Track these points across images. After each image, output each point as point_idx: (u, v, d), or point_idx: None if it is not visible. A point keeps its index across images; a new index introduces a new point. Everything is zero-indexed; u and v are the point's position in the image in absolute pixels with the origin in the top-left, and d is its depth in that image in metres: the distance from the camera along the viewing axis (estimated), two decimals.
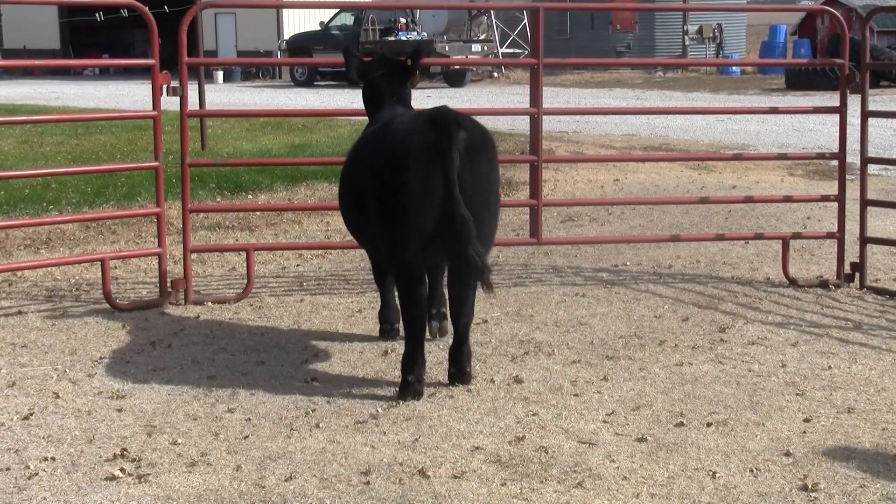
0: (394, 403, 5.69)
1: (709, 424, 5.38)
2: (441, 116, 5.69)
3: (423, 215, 5.59)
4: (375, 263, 6.76)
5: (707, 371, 6.25)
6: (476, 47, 37.50)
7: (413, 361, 5.78)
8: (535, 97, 8.44)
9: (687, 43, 43.03)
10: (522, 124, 17.82)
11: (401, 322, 6.16)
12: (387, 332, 6.89)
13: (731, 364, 6.39)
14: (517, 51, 40.36)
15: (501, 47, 39.80)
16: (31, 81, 42.18)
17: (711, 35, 43.15)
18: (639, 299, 7.96)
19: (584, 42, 42.99)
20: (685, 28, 42.93)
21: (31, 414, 5.58)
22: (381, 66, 6.71)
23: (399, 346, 6.43)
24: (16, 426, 5.42)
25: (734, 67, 38.33)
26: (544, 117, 8.54)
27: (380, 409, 5.60)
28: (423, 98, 25.62)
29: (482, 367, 6.29)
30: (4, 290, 8.30)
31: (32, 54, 47.46)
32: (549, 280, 8.61)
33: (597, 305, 7.79)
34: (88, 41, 51.77)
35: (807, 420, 5.44)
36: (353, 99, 28.81)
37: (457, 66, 35.33)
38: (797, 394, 5.85)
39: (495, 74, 39.33)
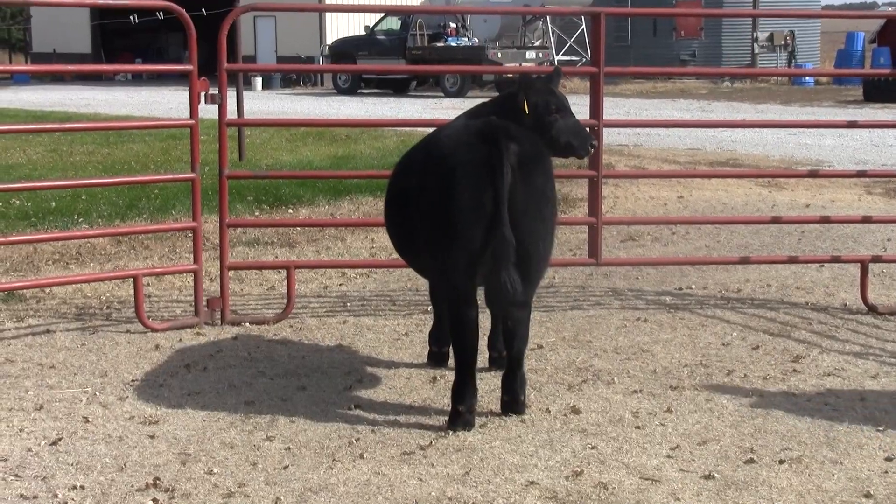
0: (443, 434, 5.69)
1: (781, 462, 5.33)
2: (490, 129, 5.70)
3: (472, 233, 5.59)
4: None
5: (779, 404, 6.20)
6: (530, 54, 37.53)
7: (464, 390, 5.76)
8: (596, 108, 8.43)
9: (756, 51, 42.85)
10: None
11: (451, 347, 6.15)
12: (435, 357, 6.88)
13: (806, 397, 6.33)
14: (574, 58, 40.36)
15: (557, 54, 39.79)
16: (61, 87, 42.69)
17: (783, 43, 42.95)
18: (705, 325, 7.92)
19: (645, 50, 42.94)
20: (755, 35, 42.75)
21: (60, 439, 5.63)
22: None
23: (448, 373, 6.44)
24: (43, 452, 5.47)
25: (807, 78, 38.03)
26: (604, 130, 8.53)
27: (428, 440, 5.60)
28: None
29: (537, 396, 6.28)
30: (32, 307, 8.40)
31: (62, 58, 47.98)
32: (609, 303, 8.58)
33: (660, 331, 7.76)
34: (120, 45, 52.43)
35: (888, 459, 5.38)
36: (399, 108, 28.91)
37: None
38: (878, 430, 5.78)
39: None
